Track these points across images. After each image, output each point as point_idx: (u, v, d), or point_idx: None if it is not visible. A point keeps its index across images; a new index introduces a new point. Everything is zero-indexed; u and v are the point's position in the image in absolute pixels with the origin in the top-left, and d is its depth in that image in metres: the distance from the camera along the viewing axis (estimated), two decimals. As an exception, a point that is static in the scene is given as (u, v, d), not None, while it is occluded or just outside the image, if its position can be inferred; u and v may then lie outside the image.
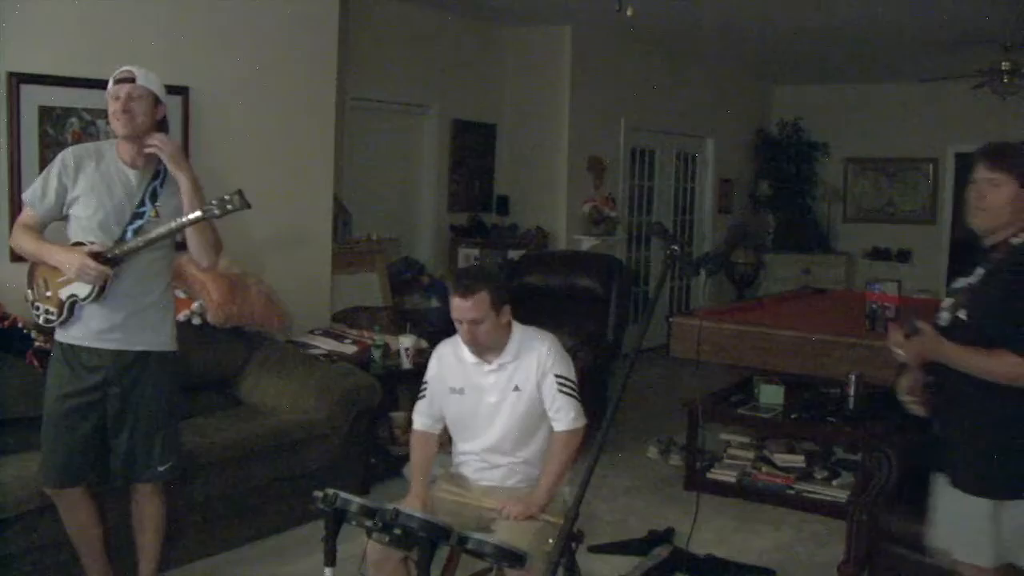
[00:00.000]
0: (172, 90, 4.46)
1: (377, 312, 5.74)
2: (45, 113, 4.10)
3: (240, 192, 2.96)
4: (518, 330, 3.05)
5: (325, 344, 4.98)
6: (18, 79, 3.99)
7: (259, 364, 4.56)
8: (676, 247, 2.35)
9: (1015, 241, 2.53)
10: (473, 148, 7.48)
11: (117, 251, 2.97)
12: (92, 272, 2.91)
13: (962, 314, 2.53)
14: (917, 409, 2.69)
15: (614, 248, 7.87)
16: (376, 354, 4.99)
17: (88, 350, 3.05)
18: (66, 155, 3.08)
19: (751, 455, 5.03)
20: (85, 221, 3.02)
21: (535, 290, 6.00)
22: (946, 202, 9.94)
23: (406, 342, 5.11)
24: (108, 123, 3.10)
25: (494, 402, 3.01)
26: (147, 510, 3.24)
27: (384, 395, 4.70)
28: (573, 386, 3.01)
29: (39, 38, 4.07)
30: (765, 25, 6.99)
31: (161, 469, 3.17)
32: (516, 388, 2.99)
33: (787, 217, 10.39)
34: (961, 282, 2.64)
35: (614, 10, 5.07)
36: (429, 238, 7.24)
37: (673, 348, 5.52)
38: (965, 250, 9.97)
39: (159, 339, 3.12)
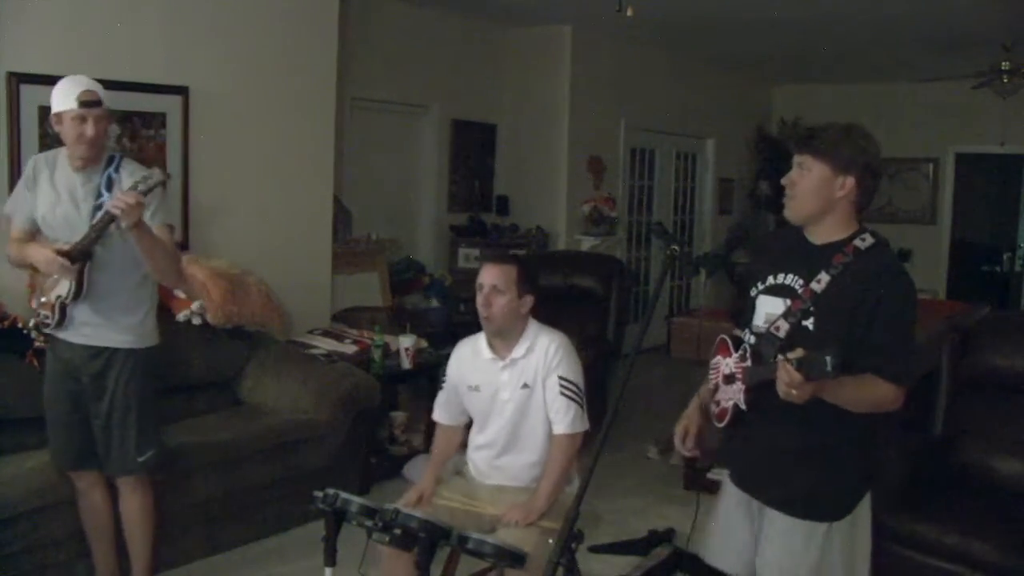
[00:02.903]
0: (172, 90, 4.49)
1: (377, 312, 5.74)
2: (45, 113, 4.08)
3: (157, 169, 2.95)
4: (533, 327, 3.06)
5: (325, 344, 4.98)
6: (18, 79, 3.99)
7: (259, 364, 4.56)
8: (676, 247, 2.34)
9: (861, 244, 2.23)
10: (473, 148, 7.48)
11: (75, 245, 2.96)
12: (55, 264, 2.93)
13: (809, 323, 2.21)
14: (693, 452, 2.50)
15: (614, 248, 7.88)
16: (376, 354, 4.98)
17: (64, 343, 3.11)
18: (28, 166, 3.17)
19: (751, 455, 5.01)
20: (44, 226, 3.10)
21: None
22: (946, 202, 9.95)
23: (406, 342, 5.11)
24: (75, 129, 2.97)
25: (506, 399, 3.02)
26: (131, 506, 3.23)
27: (384, 395, 4.70)
28: (576, 390, 3.00)
29: (39, 38, 4.07)
30: (765, 24, 6.98)
31: (140, 460, 3.16)
32: (525, 385, 3.00)
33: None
34: (785, 280, 2.30)
35: (614, 10, 5.07)
36: (429, 238, 7.24)
37: (673, 348, 5.54)
38: (965, 250, 9.90)
39: (124, 337, 3.10)
